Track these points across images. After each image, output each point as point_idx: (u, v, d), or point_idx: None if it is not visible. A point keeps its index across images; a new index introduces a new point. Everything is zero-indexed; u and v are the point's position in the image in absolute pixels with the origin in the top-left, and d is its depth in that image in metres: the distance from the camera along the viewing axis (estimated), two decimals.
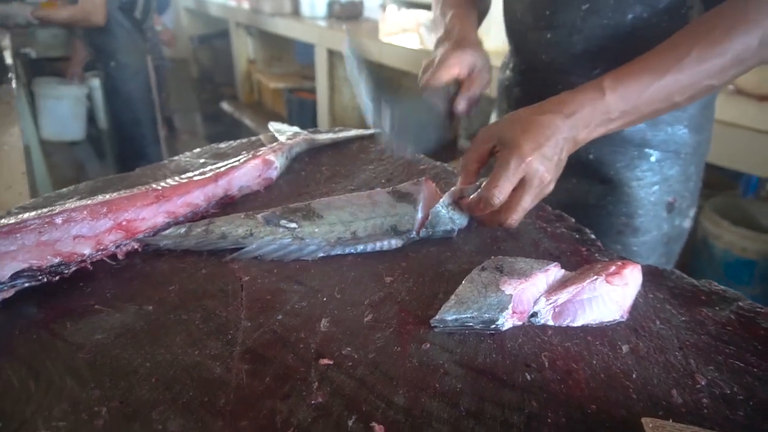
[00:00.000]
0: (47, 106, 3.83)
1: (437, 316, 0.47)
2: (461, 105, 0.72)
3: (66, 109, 3.91)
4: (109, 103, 2.54)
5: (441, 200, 0.62)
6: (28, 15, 2.24)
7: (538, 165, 0.57)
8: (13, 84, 1.66)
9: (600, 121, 0.59)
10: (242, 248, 0.58)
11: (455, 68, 0.72)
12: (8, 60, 1.87)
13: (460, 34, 0.77)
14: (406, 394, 0.40)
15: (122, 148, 2.65)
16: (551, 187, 0.59)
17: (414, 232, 0.61)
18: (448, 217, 0.62)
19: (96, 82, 3.82)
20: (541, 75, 0.85)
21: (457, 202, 0.63)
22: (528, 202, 0.58)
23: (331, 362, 0.43)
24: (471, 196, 0.61)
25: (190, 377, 0.40)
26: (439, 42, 0.78)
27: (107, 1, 2.25)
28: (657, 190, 0.83)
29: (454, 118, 0.74)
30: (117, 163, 2.77)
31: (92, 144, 4.08)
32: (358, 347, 0.44)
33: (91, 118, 4.10)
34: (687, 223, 0.89)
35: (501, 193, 0.57)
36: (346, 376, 0.41)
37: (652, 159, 0.81)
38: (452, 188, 0.64)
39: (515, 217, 0.58)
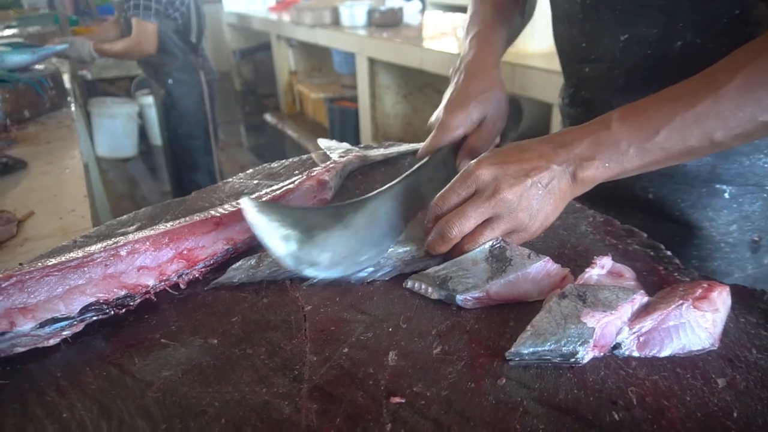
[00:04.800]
0: (102, 125, 4.03)
1: (513, 349, 0.44)
2: (463, 166, 0.66)
3: (119, 126, 4.10)
4: (167, 118, 2.69)
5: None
6: (91, 50, 2.44)
7: (489, 178, 0.52)
8: (73, 107, 1.72)
9: (609, 158, 0.52)
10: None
11: (459, 130, 0.67)
12: (67, 84, 1.94)
13: (474, 66, 0.70)
14: None
15: (179, 160, 2.80)
16: (526, 218, 0.53)
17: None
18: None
19: (147, 100, 3.98)
20: (583, 110, 0.78)
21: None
22: (474, 212, 0.52)
23: (402, 400, 0.40)
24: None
25: (260, 418, 0.39)
26: (454, 73, 0.72)
27: (162, 28, 2.38)
28: (735, 230, 0.70)
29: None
30: (174, 174, 2.90)
31: (144, 159, 4.24)
32: (430, 383, 0.42)
33: (141, 134, 4.28)
34: None
35: (444, 202, 0.55)
36: (420, 416, 0.39)
37: (726, 195, 0.69)
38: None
39: (459, 227, 0.52)
